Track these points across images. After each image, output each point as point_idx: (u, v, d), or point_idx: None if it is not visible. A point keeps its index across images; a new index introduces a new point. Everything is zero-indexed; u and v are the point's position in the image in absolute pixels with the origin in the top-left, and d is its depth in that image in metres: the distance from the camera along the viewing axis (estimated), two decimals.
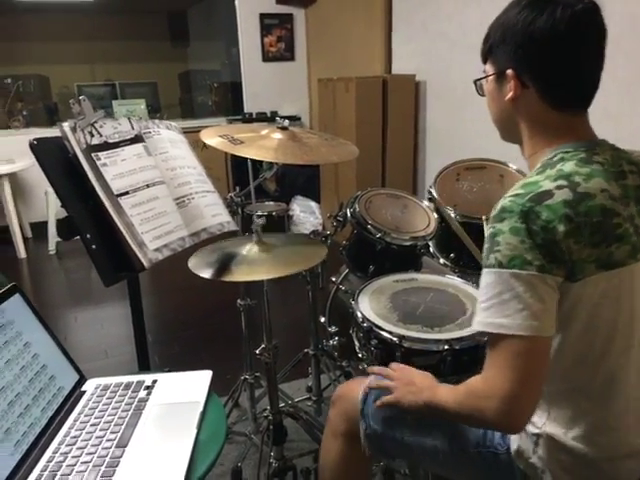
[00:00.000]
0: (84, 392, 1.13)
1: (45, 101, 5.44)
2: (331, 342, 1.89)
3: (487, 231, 0.86)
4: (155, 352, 2.59)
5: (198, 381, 1.13)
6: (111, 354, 2.62)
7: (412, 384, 1.04)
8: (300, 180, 4.60)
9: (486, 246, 0.85)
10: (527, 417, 0.84)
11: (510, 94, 0.92)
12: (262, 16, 5.13)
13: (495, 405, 0.82)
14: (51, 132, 1.22)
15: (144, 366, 1.54)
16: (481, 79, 1.00)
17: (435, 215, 1.85)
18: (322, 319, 2.00)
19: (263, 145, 1.43)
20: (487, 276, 0.84)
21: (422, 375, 1.06)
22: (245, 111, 5.23)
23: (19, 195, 4.54)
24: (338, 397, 1.22)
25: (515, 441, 0.96)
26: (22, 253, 4.13)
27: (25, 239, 4.36)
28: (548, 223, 0.81)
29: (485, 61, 0.98)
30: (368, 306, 1.48)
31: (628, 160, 0.92)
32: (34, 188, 4.63)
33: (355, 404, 1.14)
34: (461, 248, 1.64)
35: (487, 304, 0.84)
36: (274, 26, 5.20)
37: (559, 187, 0.83)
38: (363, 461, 1.22)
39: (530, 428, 0.93)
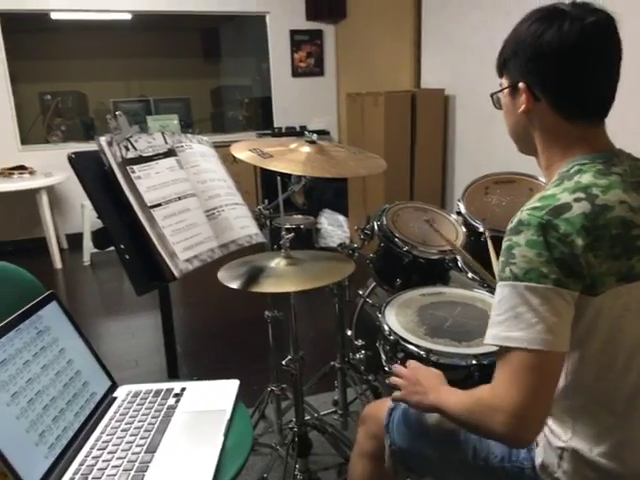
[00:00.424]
0: (116, 398, 1.16)
1: (82, 117, 5.62)
2: (358, 356, 1.88)
3: (503, 244, 0.86)
4: (184, 362, 2.62)
5: (225, 390, 1.15)
6: (141, 363, 2.67)
7: (419, 384, 1.03)
8: (328, 194, 4.63)
9: (502, 259, 0.85)
10: (535, 432, 0.83)
11: (522, 107, 0.93)
12: (292, 32, 5.22)
13: (503, 419, 0.81)
14: (87, 147, 1.27)
15: (173, 375, 1.57)
16: (496, 93, 1.01)
17: (463, 229, 1.84)
18: (349, 332, 2.00)
19: (292, 159, 1.45)
20: (502, 289, 0.84)
21: (429, 375, 1.04)
22: (275, 126, 5.31)
23: (56, 207, 4.69)
24: (366, 417, 1.22)
25: (540, 455, 0.94)
26: (58, 264, 4.25)
27: (61, 250, 4.48)
28: (567, 236, 0.80)
29: (501, 74, 0.99)
30: (395, 319, 1.47)
31: None
32: (70, 201, 4.77)
33: (380, 424, 1.14)
34: (490, 262, 1.62)
35: (501, 317, 0.83)
36: (304, 42, 5.28)
37: (577, 199, 0.82)
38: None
39: (555, 441, 0.91)
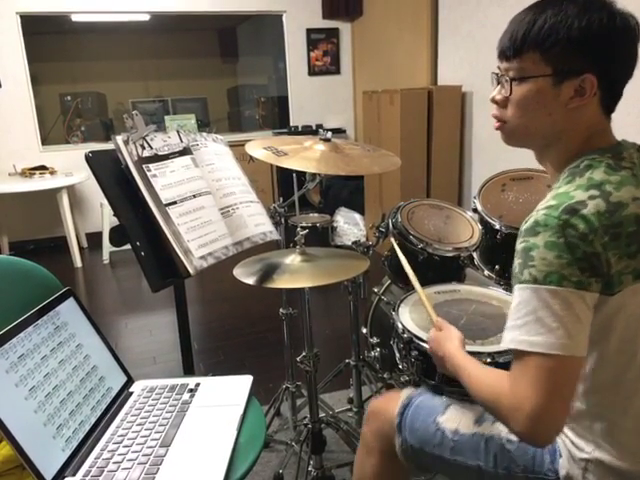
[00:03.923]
0: (131, 393, 1.17)
1: (102, 117, 5.70)
2: (372, 353, 1.88)
3: (519, 245, 0.83)
4: (201, 360, 2.65)
5: (239, 385, 1.16)
6: (159, 360, 2.70)
7: (440, 356, 1.06)
8: (344, 192, 4.62)
9: (519, 261, 0.82)
10: (552, 434, 0.82)
11: (575, 100, 0.85)
12: (309, 31, 5.22)
13: (521, 419, 0.80)
14: (107, 147, 1.29)
15: (189, 371, 1.59)
16: (529, 78, 0.87)
17: (479, 226, 1.83)
18: (364, 330, 2.00)
19: (306, 156, 1.45)
20: (521, 292, 0.81)
21: (447, 344, 1.05)
22: (291, 124, 5.32)
23: (76, 207, 4.76)
24: (372, 414, 1.20)
25: (564, 467, 0.92)
26: (78, 262, 4.31)
27: (81, 249, 4.55)
28: (587, 235, 0.78)
29: (516, 56, 0.87)
30: (409, 317, 1.47)
31: None
32: (90, 200, 4.84)
33: (390, 421, 1.12)
34: (506, 260, 1.61)
35: (521, 321, 0.81)
36: (320, 40, 5.28)
37: (592, 197, 0.80)
38: (400, 477, 1.21)
39: (578, 454, 0.90)
